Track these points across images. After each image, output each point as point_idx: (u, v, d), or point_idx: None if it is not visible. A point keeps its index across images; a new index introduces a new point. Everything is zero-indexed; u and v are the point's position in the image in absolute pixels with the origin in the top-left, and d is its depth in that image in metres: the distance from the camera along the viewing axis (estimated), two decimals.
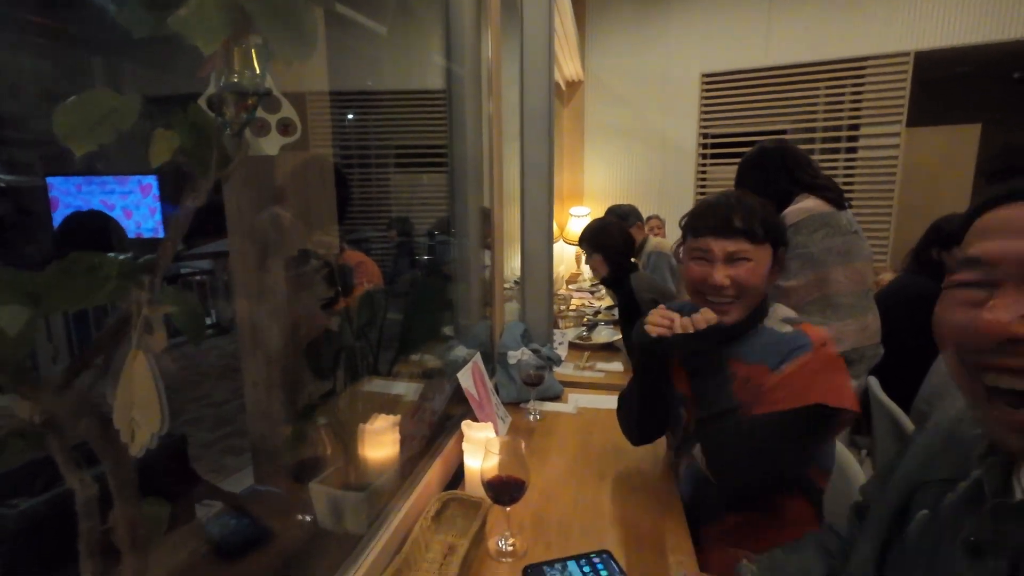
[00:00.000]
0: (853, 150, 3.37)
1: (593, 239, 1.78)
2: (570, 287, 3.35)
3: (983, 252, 0.41)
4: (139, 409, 0.61)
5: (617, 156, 3.87)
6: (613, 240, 1.75)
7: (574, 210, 3.80)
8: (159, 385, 0.64)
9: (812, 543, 0.70)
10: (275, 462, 1.11)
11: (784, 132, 3.49)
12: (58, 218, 2.36)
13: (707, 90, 3.56)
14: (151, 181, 2.66)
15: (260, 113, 0.73)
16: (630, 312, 1.68)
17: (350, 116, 3.45)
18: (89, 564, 0.58)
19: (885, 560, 0.51)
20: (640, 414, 0.98)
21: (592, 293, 3.10)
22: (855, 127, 3.34)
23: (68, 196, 2.54)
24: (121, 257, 0.63)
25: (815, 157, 3.47)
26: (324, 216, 1.24)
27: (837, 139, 3.43)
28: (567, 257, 3.94)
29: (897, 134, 3.21)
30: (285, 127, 0.76)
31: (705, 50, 3.53)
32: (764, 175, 1.50)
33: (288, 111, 0.74)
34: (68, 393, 0.59)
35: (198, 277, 2.25)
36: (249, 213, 1.06)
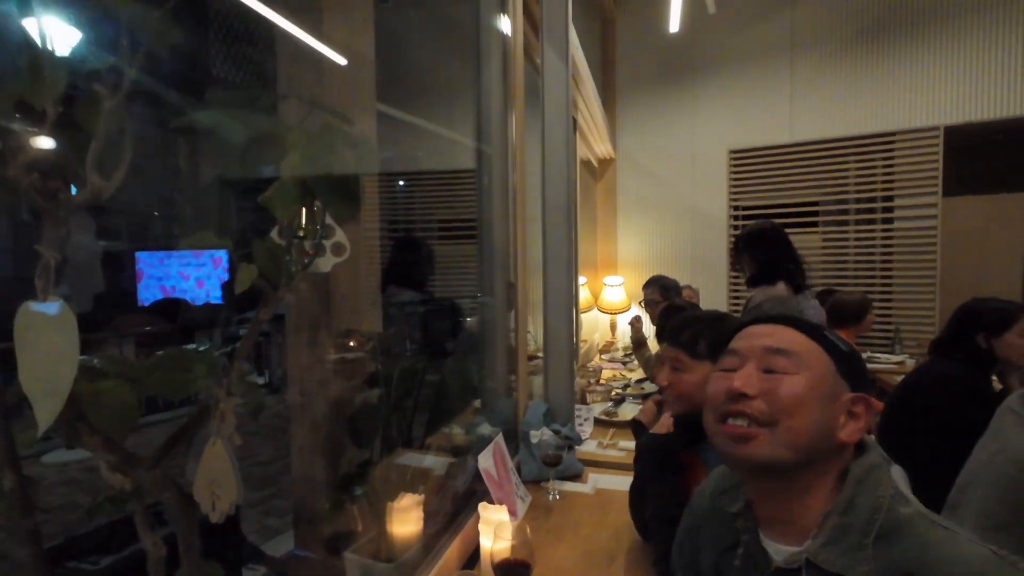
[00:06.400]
0: (889, 220, 3.35)
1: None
2: (602, 356, 3.39)
3: (738, 347, 0.66)
4: (219, 484, 0.76)
5: (650, 228, 4.00)
6: None
7: (608, 279, 3.90)
8: (234, 463, 0.78)
9: None
10: (315, 528, 1.22)
11: (816, 204, 3.53)
12: (142, 289, 2.68)
13: (735, 165, 3.68)
14: (222, 255, 2.96)
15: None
16: None
17: (396, 189, 3.78)
18: None
19: None
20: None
21: (624, 364, 3.13)
22: (889, 198, 3.35)
23: (151, 268, 2.88)
24: (203, 349, 0.79)
25: (850, 228, 3.49)
26: (369, 295, 1.40)
27: (872, 210, 3.43)
28: (602, 325, 4.00)
29: (934, 204, 3.20)
30: (337, 249, 0.93)
31: (732, 127, 3.69)
32: (762, 251, 1.85)
33: (340, 237, 0.91)
34: (156, 470, 0.73)
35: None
36: (303, 300, 1.24)
